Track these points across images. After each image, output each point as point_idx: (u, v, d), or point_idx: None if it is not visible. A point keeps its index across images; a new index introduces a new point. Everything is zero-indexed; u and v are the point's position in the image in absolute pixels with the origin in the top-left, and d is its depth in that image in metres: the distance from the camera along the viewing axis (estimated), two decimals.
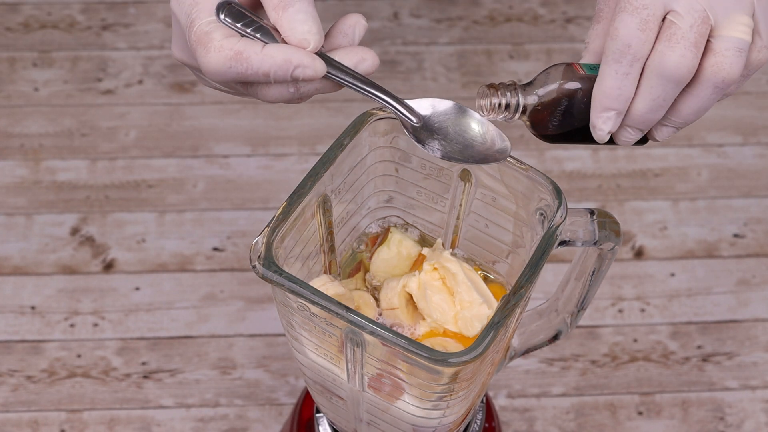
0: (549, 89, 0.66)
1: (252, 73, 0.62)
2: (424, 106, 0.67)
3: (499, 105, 0.66)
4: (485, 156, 0.67)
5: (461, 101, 1.26)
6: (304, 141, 1.23)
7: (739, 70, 0.62)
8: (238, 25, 0.63)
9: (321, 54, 0.63)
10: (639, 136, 0.66)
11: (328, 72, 0.63)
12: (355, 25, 0.66)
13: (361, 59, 0.64)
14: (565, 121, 0.66)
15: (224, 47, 0.62)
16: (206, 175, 1.21)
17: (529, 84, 0.66)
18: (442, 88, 1.26)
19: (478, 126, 0.67)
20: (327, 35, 0.66)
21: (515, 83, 0.66)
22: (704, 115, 0.66)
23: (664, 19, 0.63)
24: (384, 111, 0.71)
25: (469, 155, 0.67)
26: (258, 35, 0.63)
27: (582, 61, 0.68)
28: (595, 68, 0.66)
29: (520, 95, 0.66)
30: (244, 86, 0.65)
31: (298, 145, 1.23)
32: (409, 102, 0.66)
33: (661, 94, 0.63)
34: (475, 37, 1.32)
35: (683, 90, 0.63)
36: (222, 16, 0.64)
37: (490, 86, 0.66)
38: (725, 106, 1.26)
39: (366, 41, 1.30)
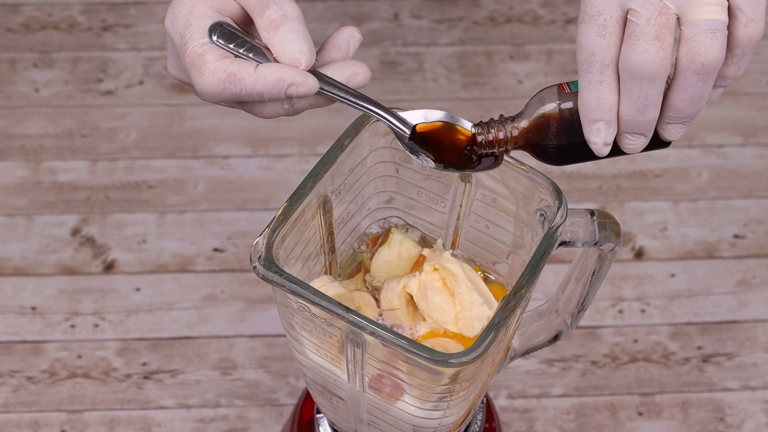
0: (536, 115, 0.66)
1: (246, 94, 0.63)
2: (417, 116, 0.67)
3: (488, 141, 0.66)
4: (479, 164, 0.67)
5: (461, 102, 1.27)
6: (304, 142, 1.23)
7: (717, 51, 0.61)
8: (231, 45, 0.64)
9: (313, 71, 0.64)
10: (643, 140, 0.65)
11: (320, 88, 0.64)
12: (349, 38, 0.66)
13: (353, 74, 0.65)
14: (562, 142, 0.66)
15: (218, 69, 0.63)
16: (207, 175, 1.21)
17: (519, 114, 0.67)
18: (443, 89, 1.26)
19: None
20: (321, 48, 0.66)
21: (502, 116, 0.67)
22: (706, 107, 0.65)
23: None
24: None
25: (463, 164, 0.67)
26: (251, 55, 0.64)
27: None
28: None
29: (506, 128, 0.66)
30: (239, 104, 0.65)
31: (298, 145, 1.23)
32: (402, 113, 0.66)
33: (641, 94, 0.62)
34: (475, 38, 1.32)
35: (672, 84, 0.63)
36: (215, 38, 0.64)
37: (478, 125, 0.67)
38: (725, 107, 1.26)
39: (366, 42, 1.30)
